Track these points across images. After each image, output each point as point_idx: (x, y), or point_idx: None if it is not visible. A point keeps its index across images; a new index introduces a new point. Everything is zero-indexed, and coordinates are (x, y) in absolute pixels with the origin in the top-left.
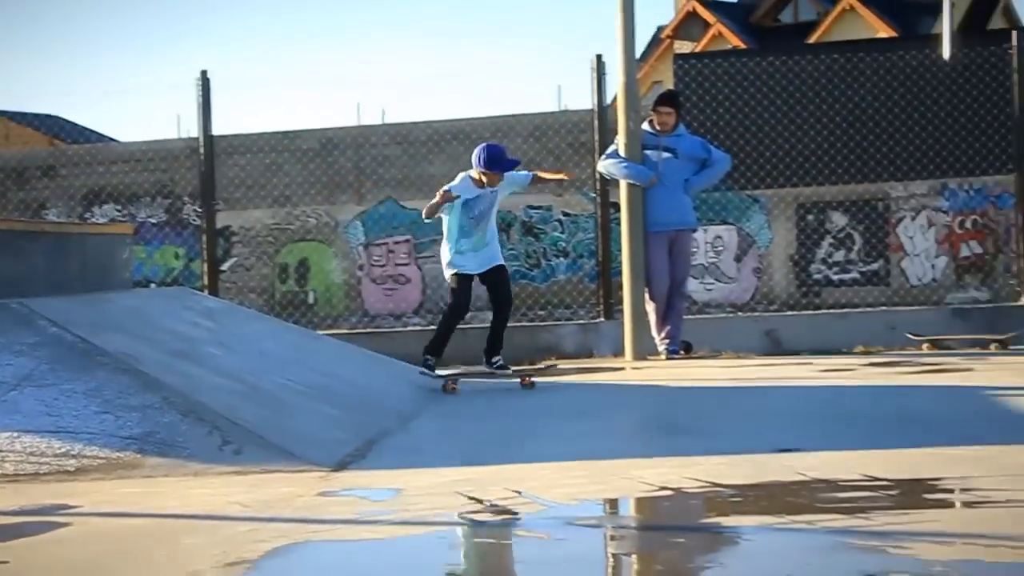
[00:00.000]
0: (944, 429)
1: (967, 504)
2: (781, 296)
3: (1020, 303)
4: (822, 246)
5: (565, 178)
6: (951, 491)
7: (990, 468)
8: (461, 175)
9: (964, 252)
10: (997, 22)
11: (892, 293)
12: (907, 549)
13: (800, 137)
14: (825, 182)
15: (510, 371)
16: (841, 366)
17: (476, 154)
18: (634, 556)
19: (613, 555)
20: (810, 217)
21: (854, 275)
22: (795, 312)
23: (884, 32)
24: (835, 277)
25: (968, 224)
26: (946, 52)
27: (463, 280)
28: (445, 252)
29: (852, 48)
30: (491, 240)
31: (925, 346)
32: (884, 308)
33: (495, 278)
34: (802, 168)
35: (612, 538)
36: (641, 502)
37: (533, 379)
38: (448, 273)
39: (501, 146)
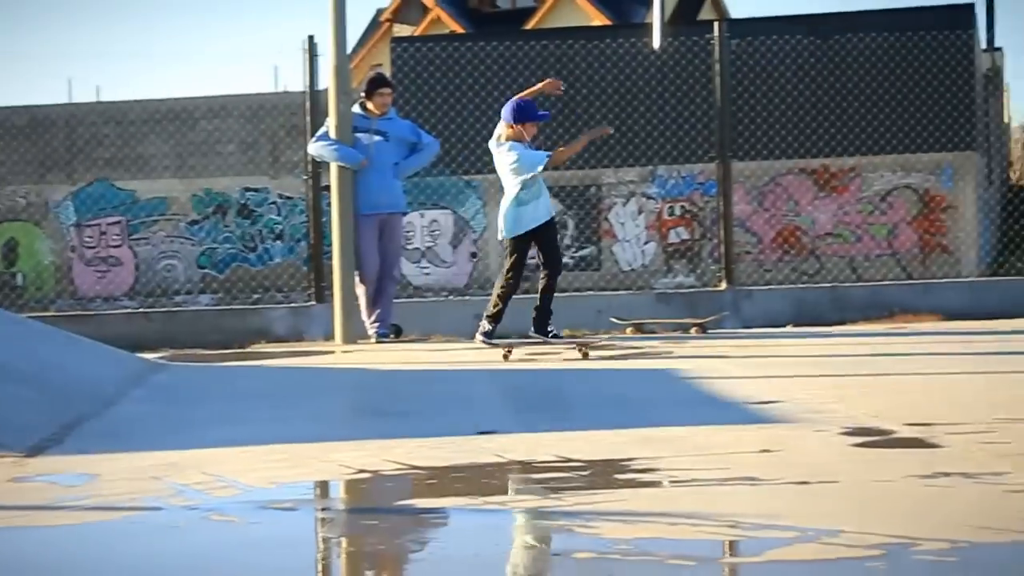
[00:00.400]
0: (639, 411)
1: (654, 484)
2: (494, 279)
3: (721, 288)
4: None
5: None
6: (641, 471)
7: (679, 448)
8: (511, 152)
9: (672, 238)
10: (707, 13)
11: (599, 278)
12: (594, 528)
13: None
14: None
15: (563, 338)
16: (544, 351)
17: (507, 110)
18: (326, 538)
19: (304, 537)
20: None
21: (567, 260)
22: None
23: (599, 20)
24: None
25: (676, 211)
26: (656, 42)
27: (520, 243)
28: (505, 211)
29: (567, 35)
30: (543, 191)
31: (629, 330)
32: (591, 292)
33: (546, 235)
34: None
35: (304, 521)
36: (338, 485)
37: (588, 350)
38: (507, 237)
39: (526, 99)
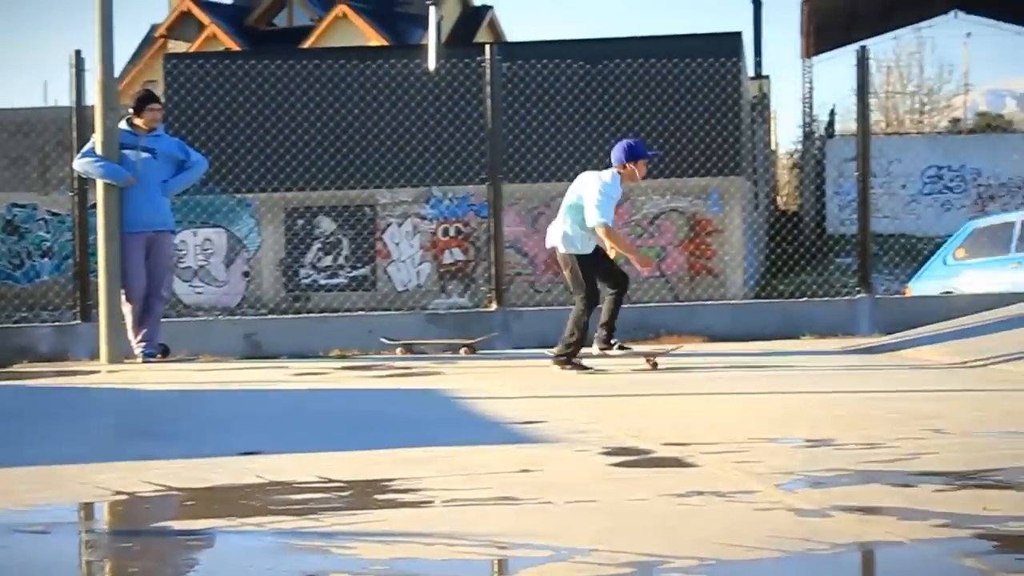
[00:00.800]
0: (405, 431)
1: (414, 504)
2: (267, 299)
3: (491, 309)
4: (311, 251)
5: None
6: (402, 491)
7: (442, 468)
8: (603, 185)
9: (447, 259)
10: (484, 36)
11: (371, 298)
12: (351, 549)
13: (283, 141)
14: (317, 187)
15: (632, 350)
16: (315, 370)
17: (620, 151)
18: (77, 561)
19: (56, 561)
20: (300, 222)
21: (342, 280)
22: (275, 316)
23: (376, 41)
24: (324, 281)
25: (451, 231)
26: (431, 63)
27: (587, 260)
28: (580, 238)
29: (343, 55)
30: None
31: (399, 350)
32: (363, 312)
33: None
34: (284, 172)
35: (56, 544)
36: (95, 507)
37: (657, 360)
38: (579, 256)
39: (636, 139)
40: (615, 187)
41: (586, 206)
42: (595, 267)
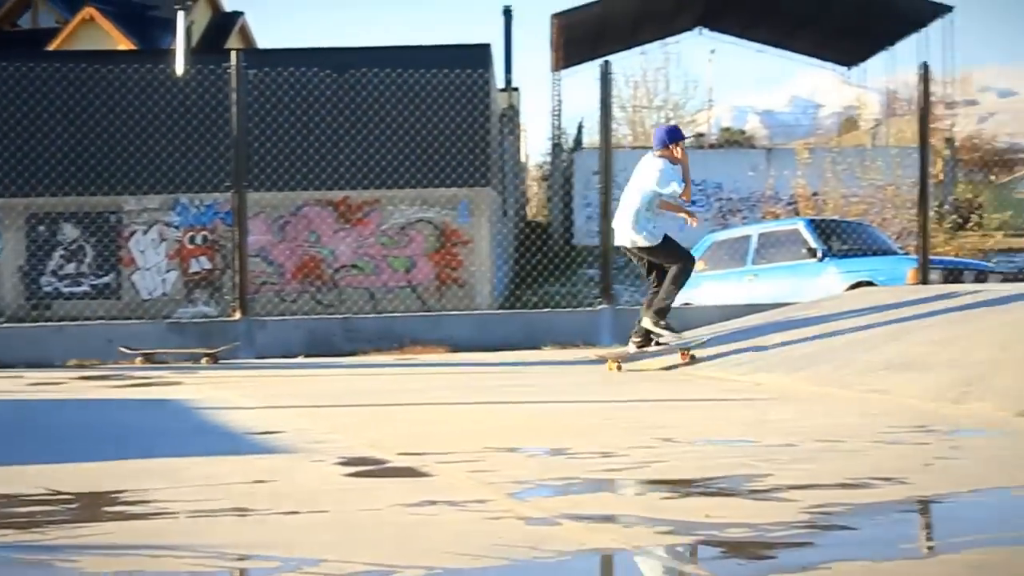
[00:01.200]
0: (139, 442)
1: (143, 516)
2: (5, 307)
3: (235, 318)
4: (53, 258)
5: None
6: (131, 503)
7: (175, 480)
8: (661, 162)
9: (194, 267)
10: (235, 42)
11: (113, 306)
12: (75, 563)
13: (22, 145)
14: (57, 193)
15: (668, 345)
16: (51, 379)
17: (663, 134)
18: None
19: None
20: (41, 228)
21: (86, 288)
22: (10, 324)
23: (124, 45)
24: (66, 290)
25: (198, 239)
26: (179, 68)
27: (667, 240)
28: (640, 223)
29: (89, 59)
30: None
31: (139, 360)
32: (102, 321)
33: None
34: (24, 176)
35: None
36: None
37: (694, 353)
38: (656, 240)
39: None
40: (667, 164)
41: (652, 184)
42: (672, 242)
